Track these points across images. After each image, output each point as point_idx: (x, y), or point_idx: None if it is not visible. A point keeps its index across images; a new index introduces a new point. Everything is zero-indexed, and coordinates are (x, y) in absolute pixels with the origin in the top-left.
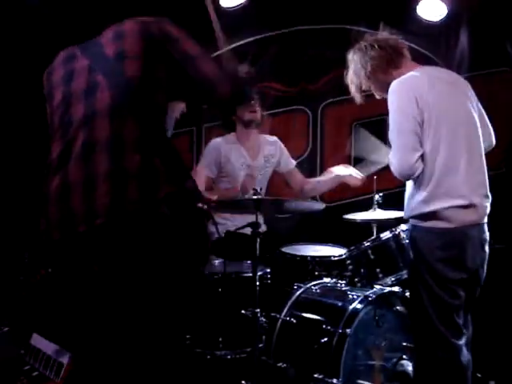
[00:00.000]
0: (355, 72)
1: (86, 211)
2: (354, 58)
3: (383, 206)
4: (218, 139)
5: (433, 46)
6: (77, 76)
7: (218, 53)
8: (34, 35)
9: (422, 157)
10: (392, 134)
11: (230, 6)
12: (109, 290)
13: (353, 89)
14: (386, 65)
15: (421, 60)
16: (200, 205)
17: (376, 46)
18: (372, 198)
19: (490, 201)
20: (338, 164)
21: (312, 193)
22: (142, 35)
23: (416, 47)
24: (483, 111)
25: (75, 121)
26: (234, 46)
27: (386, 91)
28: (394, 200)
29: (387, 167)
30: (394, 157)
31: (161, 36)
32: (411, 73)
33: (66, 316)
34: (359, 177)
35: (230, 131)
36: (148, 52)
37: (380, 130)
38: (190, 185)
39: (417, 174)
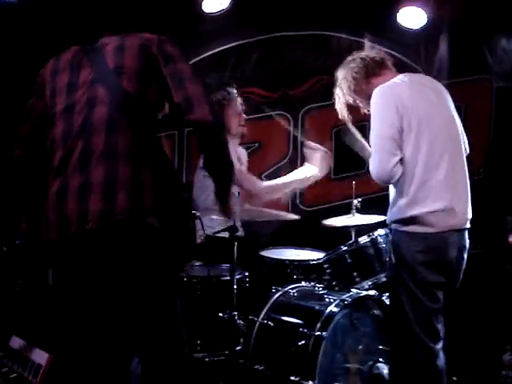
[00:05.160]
0: (340, 86)
1: (79, 215)
2: (339, 74)
3: (362, 210)
4: None
5: (412, 53)
6: (80, 87)
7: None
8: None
9: (402, 161)
10: (372, 139)
11: (213, 11)
12: (95, 292)
13: (339, 104)
14: (366, 73)
15: (400, 67)
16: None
17: (356, 58)
18: (351, 202)
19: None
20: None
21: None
22: (141, 52)
23: (396, 54)
24: (459, 118)
25: (74, 130)
26: (215, 51)
27: (369, 103)
28: (372, 205)
29: (366, 173)
30: (373, 161)
31: (159, 55)
32: (393, 80)
33: (49, 317)
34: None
35: None
36: (145, 69)
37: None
38: (184, 195)
39: (395, 179)
